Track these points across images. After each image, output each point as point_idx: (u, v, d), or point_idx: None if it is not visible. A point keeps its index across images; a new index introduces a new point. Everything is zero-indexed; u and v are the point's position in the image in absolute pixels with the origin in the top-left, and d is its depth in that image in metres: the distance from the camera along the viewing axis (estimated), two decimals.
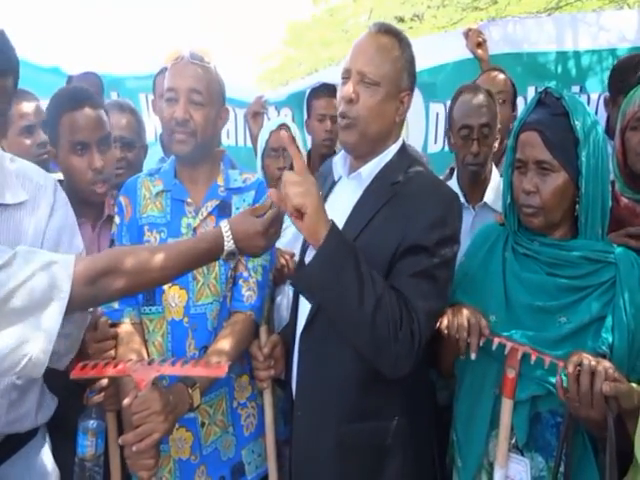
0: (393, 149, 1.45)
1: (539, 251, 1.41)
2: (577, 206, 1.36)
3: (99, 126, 1.68)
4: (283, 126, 2.30)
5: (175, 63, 1.57)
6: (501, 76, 2.55)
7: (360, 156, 1.45)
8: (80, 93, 1.71)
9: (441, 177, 2.34)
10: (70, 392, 1.48)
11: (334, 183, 1.57)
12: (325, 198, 1.55)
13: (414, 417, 1.43)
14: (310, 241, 1.23)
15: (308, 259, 1.25)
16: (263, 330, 1.64)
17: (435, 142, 3.27)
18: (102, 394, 1.52)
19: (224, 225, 1.29)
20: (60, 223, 1.39)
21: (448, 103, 3.17)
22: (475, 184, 2.09)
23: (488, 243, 1.53)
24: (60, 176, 1.82)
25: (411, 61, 1.42)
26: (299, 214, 1.19)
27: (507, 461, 1.36)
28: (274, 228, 1.32)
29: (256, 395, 1.71)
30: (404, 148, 1.48)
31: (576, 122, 1.33)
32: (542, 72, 3.09)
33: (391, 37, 1.39)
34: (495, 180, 2.08)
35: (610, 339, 1.30)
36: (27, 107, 2.04)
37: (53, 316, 1.08)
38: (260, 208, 1.32)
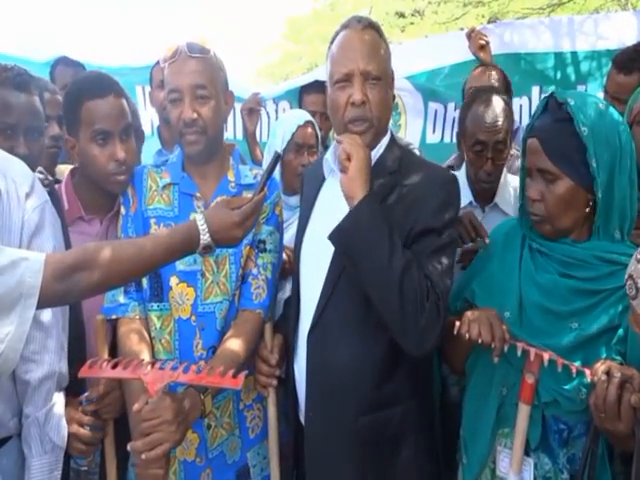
0: (385, 140, 1.47)
1: (553, 248, 1.37)
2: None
3: (122, 115, 1.60)
4: (309, 123, 2.18)
5: (173, 61, 1.51)
6: (493, 72, 2.46)
7: None
8: (105, 80, 1.63)
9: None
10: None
11: (322, 181, 1.55)
12: (314, 197, 1.55)
13: (422, 400, 1.46)
14: (347, 200, 1.30)
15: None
16: (268, 328, 1.60)
17: (434, 132, 3.25)
18: (97, 403, 1.44)
19: (199, 218, 1.27)
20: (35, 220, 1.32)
21: (448, 105, 3.19)
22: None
23: (506, 237, 1.51)
24: (67, 169, 1.78)
25: (388, 46, 1.47)
26: (345, 168, 1.30)
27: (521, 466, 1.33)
28: (250, 220, 1.31)
29: (262, 396, 1.66)
30: (393, 137, 1.51)
31: (583, 128, 1.27)
32: (544, 73, 3.07)
33: (373, 30, 1.43)
34: (505, 180, 2.01)
35: (623, 350, 1.26)
36: (45, 97, 2.00)
37: (23, 312, 1.07)
38: (236, 200, 1.31)
